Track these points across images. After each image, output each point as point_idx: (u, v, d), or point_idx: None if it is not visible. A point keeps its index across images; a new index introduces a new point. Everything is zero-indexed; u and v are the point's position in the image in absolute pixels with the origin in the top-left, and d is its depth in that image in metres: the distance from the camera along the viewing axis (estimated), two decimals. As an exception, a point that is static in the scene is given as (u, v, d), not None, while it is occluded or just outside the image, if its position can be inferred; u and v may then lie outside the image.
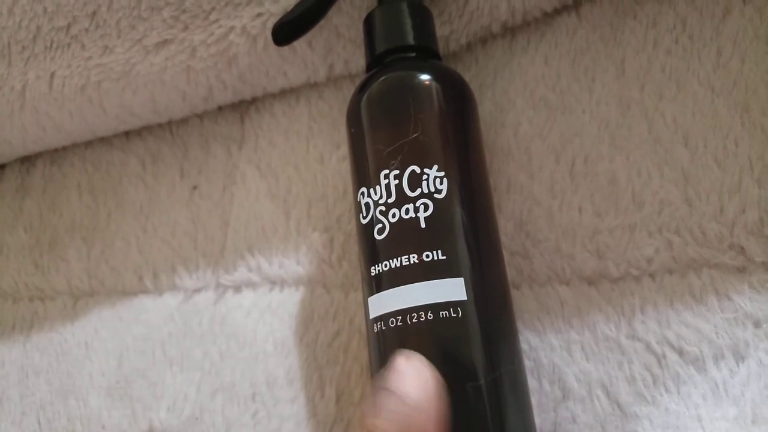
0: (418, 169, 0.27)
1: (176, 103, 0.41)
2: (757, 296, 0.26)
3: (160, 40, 0.37)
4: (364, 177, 0.29)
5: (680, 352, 0.27)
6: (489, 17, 0.36)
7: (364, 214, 0.29)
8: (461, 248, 0.27)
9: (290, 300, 0.36)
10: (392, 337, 0.26)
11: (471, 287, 0.26)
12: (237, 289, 0.37)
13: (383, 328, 0.26)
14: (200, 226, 0.40)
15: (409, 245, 0.27)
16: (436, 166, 0.27)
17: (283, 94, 0.42)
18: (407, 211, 0.27)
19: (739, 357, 0.26)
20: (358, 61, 0.39)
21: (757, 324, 0.26)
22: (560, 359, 0.29)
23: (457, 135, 0.29)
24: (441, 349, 0.25)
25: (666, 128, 0.31)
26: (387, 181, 0.28)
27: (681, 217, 0.29)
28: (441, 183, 0.27)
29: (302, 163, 0.39)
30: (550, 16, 0.37)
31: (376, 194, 0.28)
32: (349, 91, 0.40)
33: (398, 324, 0.26)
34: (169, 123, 0.45)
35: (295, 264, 0.36)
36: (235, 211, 0.39)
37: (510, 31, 0.38)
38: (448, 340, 0.25)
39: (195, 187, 0.42)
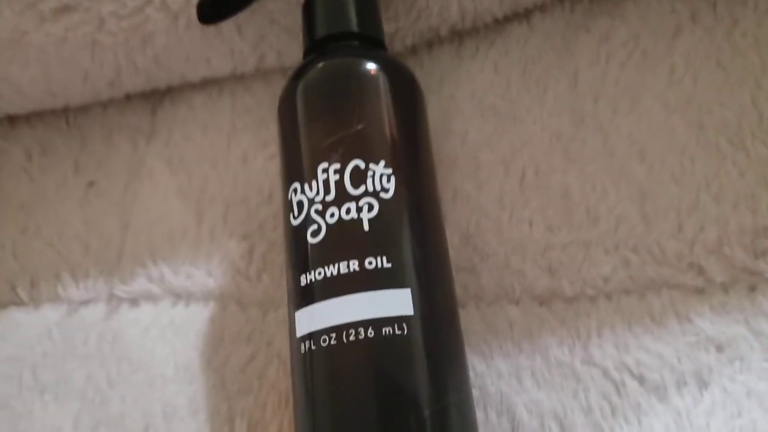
0: (362, 164, 0.24)
1: (76, 85, 0.36)
2: (718, 319, 0.25)
3: (60, 6, 0.31)
4: (297, 171, 0.25)
5: (640, 380, 0.24)
6: (438, 18, 0.33)
7: (296, 214, 0.24)
8: (408, 256, 0.23)
9: (197, 317, 0.30)
10: (324, 357, 0.22)
11: (418, 301, 0.22)
12: (134, 302, 0.32)
13: (312, 347, 0.22)
14: (94, 229, 0.34)
15: (350, 250, 0.23)
16: (383, 162, 0.24)
17: (204, 84, 0.37)
18: (348, 211, 0.23)
19: (703, 384, 0.23)
20: (293, 54, 0.35)
21: (719, 348, 0.24)
22: (509, 387, 0.26)
23: (406, 130, 0.26)
24: (382, 372, 0.21)
25: (621, 143, 0.29)
26: (325, 176, 0.24)
27: (638, 235, 0.27)
28: (388, 181, 0.24)
29: (221, 161, 0.34)
30: (501, 24, 0.35)
31: (311, 191, 0.24)
32: (279, 85, 0.35)
33: (332, 342, 0.22)
34: (65, 111, 0.39)
35: (206, 275, 0.31)
36: (138, 211, 0.34)
37: (458, 35, 0.35)
38: (390, 363, 0.21)
39: (91, 184, 0.36)
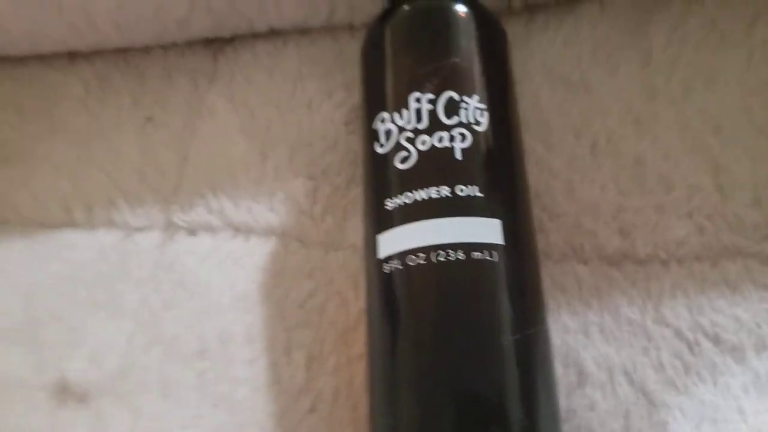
0: (456, 96, 0.24)
1: (145, 18, 0.35)
2: (798, 290, 0.24)
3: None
4: (384, 101, 0.25)
5: (716, 340, 0.24)
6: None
7: (382, 142, 0.24)
8: (499, 187, 0.23)
9: (257, 251, 0.30)
10: (410, 276, 0.22)
11: (507, 232, 0.22)
12: (191, 231, 0.31)
13: (399, 267, 0.22)
14: (151, 159, 0.34)
15: (441, 177, 0.23)
16: (476, 97, 0.24)
17: (269, 36, 0.37)
18: (441, 140, 0.23)
19: (783, 349, 0.23)
20: (363, 9, 0.35)
21: (801, 317, 0.24)
22: (576, 342, 0.26)
23: (497, 69, 0.26)
24: (470, 293, 0.21)
25: (695, 117, 0.30)
26: (418, 105, 0.24)
27: (713, 204, 0.27)
28: (481, 115, 0.24)
29: (286, 104, 0.34)
30: (571, 3, 0.35)
31: (402, 119, 0.24)
32: (346, 42, 0.36)
33: (420, 262, 0.21)
34: (125, 51, 0.39)
35: (268, 211, 0.31)
36: (197, 145, 0.34)
37: (528, 10, 0.36)
38: (479, 285, 0.21)
39: (149, 118, 0.36)
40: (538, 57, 0.34)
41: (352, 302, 0.28)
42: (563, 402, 0.24)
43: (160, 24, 0.36)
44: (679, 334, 0.25)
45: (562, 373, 0.25)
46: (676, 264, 0.26)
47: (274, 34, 0.37)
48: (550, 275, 0.28)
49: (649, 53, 0.32)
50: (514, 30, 0.35)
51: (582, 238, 0.28)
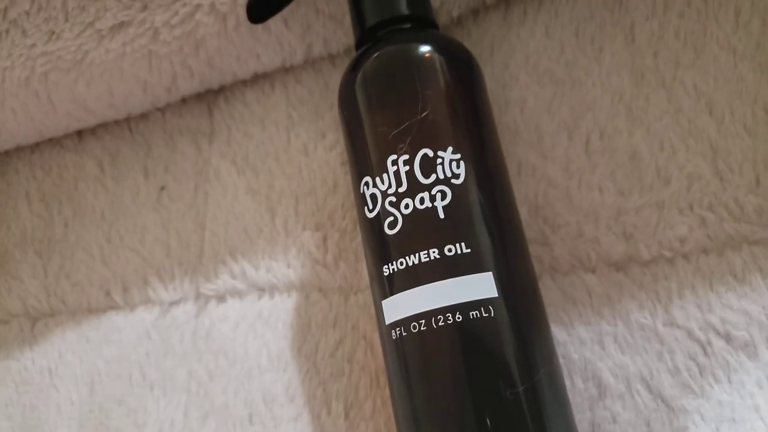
0: (430, 153, 0.24)
1: (136, 95, 0.37)
2: (806, 273, 0.24)
3: (116, 23, 0.32)
4: (366, 165, 0.26)
5: (727, 338, 0.24)
6: (482, -16, 0.33)
7: (371, 207, 0.25)
8: (486, 239, 0.24)
9: (283, 308, 0.32)
10: (415, 343, 0.23)
11: (500, 282, 0.23)
12: (220, 298, 0.33)
13: (403, 334, 0.23)
14: (172, 231, 0.36)
15: (428, 239, 0.23)
16: (450, 148, 0.24)
17: (256, 80, 0.38)
18: (422, 201, 0.24)
19: (795, 340, 0.24)
20: (339, 40, 0.35)
21: (811, 303, 0.24)
22: (592, 353, 0.26)
23: (468, 111, 0.26)
24: (473, 354, 0.22)
25: (687, 97, 0.29)
26: (396, 167, 0.24)
27: (713, 192, 0.27)
28: (458, 167, 0.24)
29: (284, 155, 0.35)
30: (547, -15, 0.34)
31: (383, 184, 0.25)
32: (329, 73, 0.36)
33: (422, 329, 0.23)
34: (127, 119, 0.41)
35: (285, 267, 0.32)
36: (211, 211, 0.35)
37: (504, 1, 0.35)
38: (481, 344, 0.22)
39: (162, 188, 0.38)
40: (520, 53, 0.33)
41: (377, 344, 0.30)
42: (587, 415, 0.26)
43: (152, 95, 0.37)
44: (691, 335, 0.25)
45: (582, 387, 0.26)
46: (683, 260, 0.27)
47: (259, 77, 0.38)
48: (560, 288, 0.28)
49: (632, 28, 0.31)
50: (492, 27, 0.34)
51: (586, 246, 0.28)
